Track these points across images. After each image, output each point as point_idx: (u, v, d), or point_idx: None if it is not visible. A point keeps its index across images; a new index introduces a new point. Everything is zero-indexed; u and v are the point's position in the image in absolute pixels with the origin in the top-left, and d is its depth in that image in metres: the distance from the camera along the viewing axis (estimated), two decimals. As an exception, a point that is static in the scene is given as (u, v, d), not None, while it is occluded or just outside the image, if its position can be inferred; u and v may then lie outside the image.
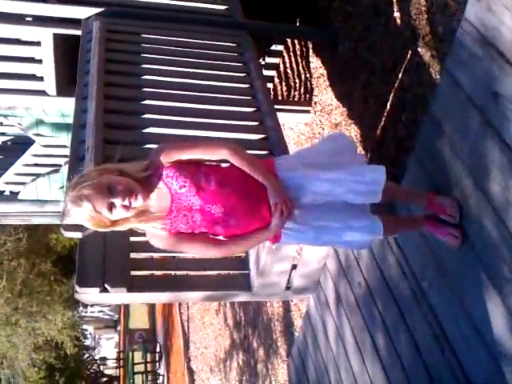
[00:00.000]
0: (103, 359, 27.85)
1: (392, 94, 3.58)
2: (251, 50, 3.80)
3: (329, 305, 3.31)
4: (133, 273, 3.30)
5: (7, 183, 5.98)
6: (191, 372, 10.68)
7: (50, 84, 4.05)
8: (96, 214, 1.76)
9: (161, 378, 15.23)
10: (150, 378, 16.16)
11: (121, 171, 1.83)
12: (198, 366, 10.22)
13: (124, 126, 3.03)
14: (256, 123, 3.29)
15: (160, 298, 3.45)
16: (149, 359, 16.10)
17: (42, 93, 4.12)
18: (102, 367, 24.87)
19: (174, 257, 3.97)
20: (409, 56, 3.42)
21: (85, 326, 20.80)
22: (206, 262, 3.61)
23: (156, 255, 4.28)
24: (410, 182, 2.64)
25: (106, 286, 3.10)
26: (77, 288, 3.04)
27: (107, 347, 32.94)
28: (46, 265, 13.97)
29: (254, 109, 3.38)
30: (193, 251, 2.03)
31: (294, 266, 3.29)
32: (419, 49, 3.29)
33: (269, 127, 3.20)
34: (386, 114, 3.66)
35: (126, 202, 1.77)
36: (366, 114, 3.91)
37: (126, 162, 1.90)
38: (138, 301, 3.91)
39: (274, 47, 5.25)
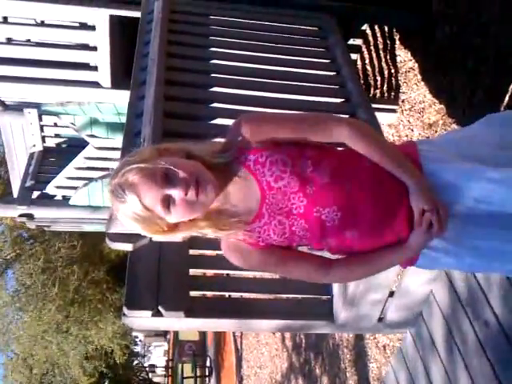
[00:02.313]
0: (152, 366, 27.84)
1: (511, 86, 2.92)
2: (336, 33, 3.24)
3: (435, 344, 2.65)
4: (192, 293, 2.76)
5: (58, 187, 5.62)
6: (243, 392, 10.12)
7: (104, 74, 3.61)
8: (146, 213, 1.19)
9: (211, 394, 14.73)
10: (199, 393, 15.70)
11: (188, 153, 1.27)
12: (251, 386, 9.64)
13: (187, 116, 2.52)
14: (346, 116, 2.71)
15: (223, 325, 2.87)
16: (198, 373, 15.60)
17: (96, 84, 3.69)
18: (150, 374, 24.82)
19: (228, 274, 3.28)
20: (537, 37, 2.77)
21: (135, 333, 20.65)
22: (277, 283, 3.04)
23: (216, 272, 3.51)
24: None
25: (159, 308, 2.58)
26: (125, 310, 2.52)
27: (156, 354, 32.95)
28: (99, 272, 13.80)
29: (343, 99, 2.81)
30: (295, 275, 1.40)
31: (391, 293, 2.66)
32: (554, 26, 2.64)
33: (362, 120, 2.62)
34: (501, 111, 2.99)
35: (191, 196, 1.20)
36: (472, 110, 3.25)
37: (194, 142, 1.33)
38: (197, 327, 3.37)
39: (351, 41, 4.67)
